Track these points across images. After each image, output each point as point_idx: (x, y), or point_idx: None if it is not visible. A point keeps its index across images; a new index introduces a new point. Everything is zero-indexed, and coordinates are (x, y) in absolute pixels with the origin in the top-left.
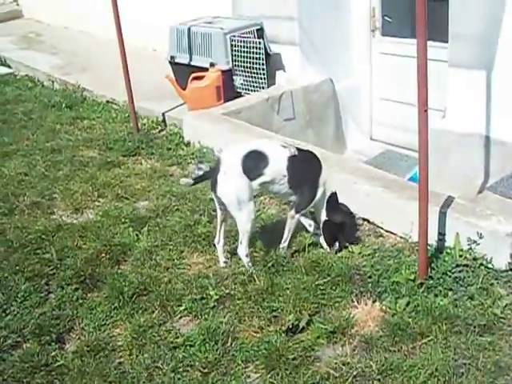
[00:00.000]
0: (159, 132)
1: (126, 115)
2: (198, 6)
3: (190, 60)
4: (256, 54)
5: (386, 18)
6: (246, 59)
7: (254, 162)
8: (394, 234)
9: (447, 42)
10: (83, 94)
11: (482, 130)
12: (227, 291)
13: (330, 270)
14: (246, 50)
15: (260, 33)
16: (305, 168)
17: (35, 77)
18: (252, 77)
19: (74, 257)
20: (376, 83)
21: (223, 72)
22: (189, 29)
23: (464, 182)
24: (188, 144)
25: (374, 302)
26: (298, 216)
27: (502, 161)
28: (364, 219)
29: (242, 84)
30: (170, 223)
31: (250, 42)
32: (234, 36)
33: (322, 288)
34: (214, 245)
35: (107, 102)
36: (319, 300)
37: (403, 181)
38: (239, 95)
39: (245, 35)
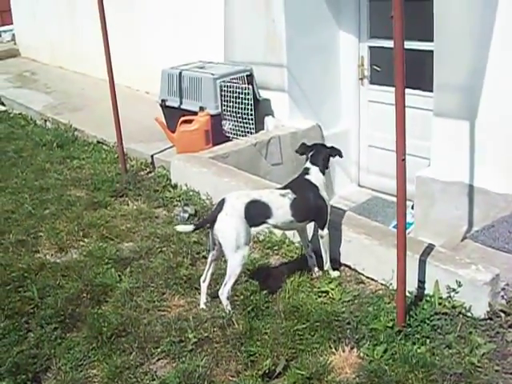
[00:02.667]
0: (147, 174)
1: (116, 156)
2: (193, 51)
3: (181, 104)
4: (245, 99)
5: (375, 67)
6: (235, 104)
7: (256, 211)
8: (375, 281)
9: None
10: (74, 134)
11: (465, 178)
12: (206, 334)
13: (309, 316)
14: (235, 95)
15: (249, 79)
16: (306, 201)
17: (28, 115)
18: (241, 122)
19: (55, 296)
20: (364, 130)
21: (212, 116)
22: (180, 73)
23: (449, 229)
24: (175, 186)
25: (351, 348)
26: (326, 231)
27: (485, 209)
28: (345, 265)
29: (230, 128)
30: (152, 265)
31: (239, 88)
32: (224, 81)
33: (300, 333)
34: (198, 285)
35: (98, 142)
36: (297, 345)
37: (385, 228)
38: (228, 139)
39: (234, 81)
